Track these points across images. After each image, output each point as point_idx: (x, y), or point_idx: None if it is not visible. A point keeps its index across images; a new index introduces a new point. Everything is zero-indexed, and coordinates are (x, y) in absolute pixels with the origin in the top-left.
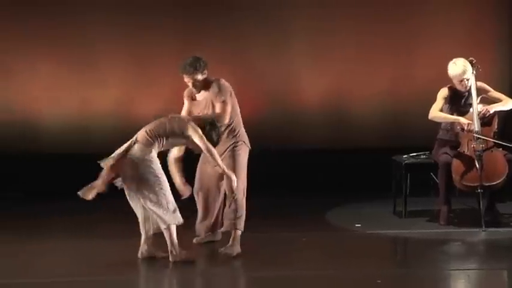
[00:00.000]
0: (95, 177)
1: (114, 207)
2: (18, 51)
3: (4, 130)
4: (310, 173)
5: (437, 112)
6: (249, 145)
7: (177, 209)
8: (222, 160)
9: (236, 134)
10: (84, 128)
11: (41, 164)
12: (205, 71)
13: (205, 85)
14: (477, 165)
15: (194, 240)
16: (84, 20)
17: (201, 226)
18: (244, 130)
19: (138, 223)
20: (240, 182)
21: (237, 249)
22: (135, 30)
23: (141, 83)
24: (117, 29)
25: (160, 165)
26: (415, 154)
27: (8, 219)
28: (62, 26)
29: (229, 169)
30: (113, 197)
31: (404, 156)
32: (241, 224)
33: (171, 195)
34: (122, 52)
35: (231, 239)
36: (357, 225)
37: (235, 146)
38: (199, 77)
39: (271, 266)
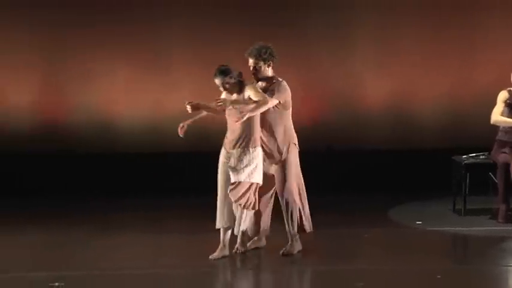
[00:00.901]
0: (167, 175)
1: (182, 204)
2: (98, 56)
3: (84, 130)
4: (373, 172)
5: (498, 116)
6: (298, 146)
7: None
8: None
9: (286, 136)
10: (157, 128)
11: (117, 162)
12: (270, 63)
13: (267, 79)
14: None
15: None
16: (158, 26)
17: (250, 229)
18: (294, 132)
19: (205, 219)
20: (291, 184)
21: (298, 247)
22: (204, 35)
23: (209, 85)
24: (188, 35)
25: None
26: (474, 154)
27: (88, 215)
28: (138, 32)
29: (279, 173)
30: (181, 195)
31: (464, 156)
32: (295, 224)
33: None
34: (192, 57)
35: (289, 239)
36: (417, 222)
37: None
38: (261, 64)
39: (335, 260)
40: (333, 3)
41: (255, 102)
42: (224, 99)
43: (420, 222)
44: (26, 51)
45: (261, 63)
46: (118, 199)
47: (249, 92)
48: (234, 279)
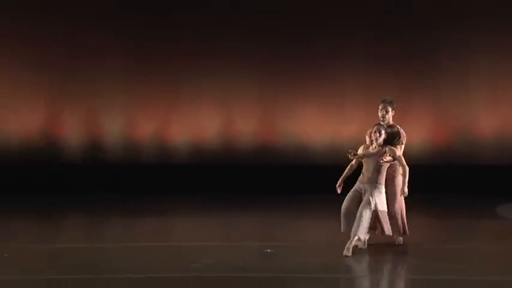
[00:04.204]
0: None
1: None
2: (294, 96)
3: (282, 148)
4: (482, 180)
5: None
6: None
7: None
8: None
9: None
10: (336, 149)
11: (308, 171)
12: (394, 112)
13: (389, 126)
14: None
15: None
16: (333, 76)
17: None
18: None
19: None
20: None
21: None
22: (370, 80)
23: (371, 123)
24: (357, 81)
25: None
26: None
27: (282, 204)
28: (323, 81)
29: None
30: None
31: None
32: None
33: None
34: (359, 99)
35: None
36: None
37: (395, 174)
38: (389, 109)
39: (455, 240)
40: (458, 64)
41: (393, 156)
42: (359, 155)
43: None
44: (248, 97)
45: (389, 108)
46: (303, 195)
47: (390, 148)
48: (377, 254)
